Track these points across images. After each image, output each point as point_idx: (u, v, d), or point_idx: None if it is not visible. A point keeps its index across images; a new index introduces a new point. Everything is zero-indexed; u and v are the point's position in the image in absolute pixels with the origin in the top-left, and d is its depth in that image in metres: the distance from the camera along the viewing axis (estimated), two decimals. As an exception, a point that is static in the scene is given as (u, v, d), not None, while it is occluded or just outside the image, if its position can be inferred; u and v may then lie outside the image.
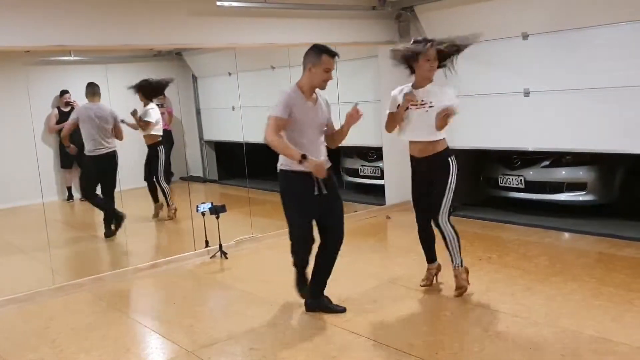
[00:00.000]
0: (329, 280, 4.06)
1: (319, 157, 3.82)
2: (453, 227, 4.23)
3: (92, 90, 6.63)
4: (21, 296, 4.77)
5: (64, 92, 8.63)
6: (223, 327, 3.96)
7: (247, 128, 7.77)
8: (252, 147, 7.84)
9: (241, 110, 7.92)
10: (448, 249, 4.24)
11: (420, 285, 4.43)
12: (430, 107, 4.09)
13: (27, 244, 6.60)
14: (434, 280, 4.48)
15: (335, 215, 3.93)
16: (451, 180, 4.15)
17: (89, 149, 6.56)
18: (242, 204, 7.53)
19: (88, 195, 6.64)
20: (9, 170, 7.75)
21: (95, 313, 4.45)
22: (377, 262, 5.25)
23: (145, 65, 9.03)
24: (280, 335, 3.76)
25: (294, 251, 4.02)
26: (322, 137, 3.98)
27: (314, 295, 4.05)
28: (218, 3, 5.36)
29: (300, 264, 4.02)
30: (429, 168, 4.17)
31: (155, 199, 7.41)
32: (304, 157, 3.62)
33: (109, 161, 6.58)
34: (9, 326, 4.33)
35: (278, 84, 8.41)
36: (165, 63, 9.05)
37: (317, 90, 3.94)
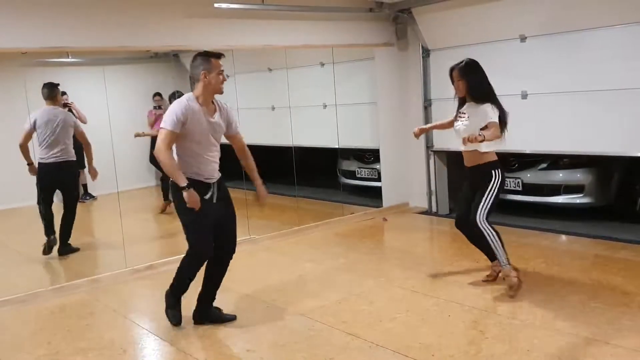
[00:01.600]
0: (326, 281, 4.06)
1: (214, 167, 3.87)
2: (493, 228, 4.36)
3: (49, 92, 6.09)
4: (17, 297, 4.76)
5: (62, 94, 8.61)
6: (219, 328, 3.95)
7: (244, 130, 7.76)
8: (249, 149, 7.84)
9: (238, 112, 7.91)
10: (490, 248, 4.35)
11: (482, 281, 4.54)
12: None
13: (24, 246, 6.59)
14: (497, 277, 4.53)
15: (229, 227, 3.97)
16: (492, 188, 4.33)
17: (42, 155, 5.97)
18: (238, 206, 7.51)
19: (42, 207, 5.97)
20: (6, 171, 7.73)
21: (91, 314, 4.44)
22: (373, 263, 5.25)
23: (143, 67, 9.04)
24: (276, 337, 3.76)
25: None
26: (218, 146, 3.93)
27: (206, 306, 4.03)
28: (215, 5, 5.36)
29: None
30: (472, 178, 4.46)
31: (166, 196, 7.55)
32: (184, 188, 3.60)
33: (67, 170, 6.02)
34: (5, 327, 4.32)
35: (275, 86, 8.42)
36: (162, 65, 9.06)
37: (216, 98, 3.90)
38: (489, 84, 4.37)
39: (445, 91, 6.79)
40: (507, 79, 6.17)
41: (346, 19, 6.61)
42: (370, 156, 7.97)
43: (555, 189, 6.27)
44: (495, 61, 6.25)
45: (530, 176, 6.43)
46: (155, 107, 8.88)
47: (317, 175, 8.82)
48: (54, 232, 5.98)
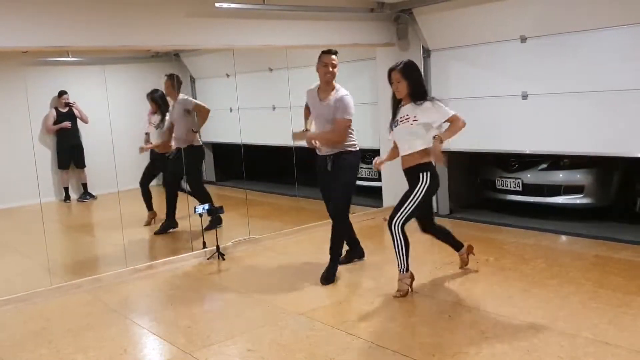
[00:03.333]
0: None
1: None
2: (404, 235, 4.36)
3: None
4: (18, 297, 4.77)
5: (62, 93, 8.63)
6: (220, 328, 3.96)
7: (245, 130, 7.78)
8: (250, 149, 7.85)
9: (239, 111, 7.92)
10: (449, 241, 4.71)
11: (460, 268, 4.81)
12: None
13: (24, 245, 6.59)
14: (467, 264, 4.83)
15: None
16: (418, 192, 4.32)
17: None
18: (239, 206, 7.54)
19: None
20: (6, 170, 7.74)
21: (92, 314, 4.44)
22: (374, 264, 5.25)
23: (143, 66, 9.04)
24: (277, 337, 3.76)
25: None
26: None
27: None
28: (216, 4, 5.36)
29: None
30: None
31: (150, 205, 7.18)
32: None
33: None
34: (5, 327, 4.32)
35: (275, 86, 8.42)
36: (163, 64, 9.05)
37: (335, 89, 4.79)
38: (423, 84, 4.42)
39: (446, 91, 6.81)
40: (507, 79, 6.19)
41: (347, 19, 6.61)
42: (370, 156, 7.94)
43: (556, 190, 6.27)
44: (495, 62, 6.27)
45: (530, 176, 6.43)
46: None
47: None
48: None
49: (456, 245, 4.80)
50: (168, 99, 6.82)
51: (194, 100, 6.86)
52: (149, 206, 7.13)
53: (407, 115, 4.29)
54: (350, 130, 4.85)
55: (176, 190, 6.84)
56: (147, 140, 7.10)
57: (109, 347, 3.76)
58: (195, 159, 6.77)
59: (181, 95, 6.67)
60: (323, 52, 4.83)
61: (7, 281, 5.36)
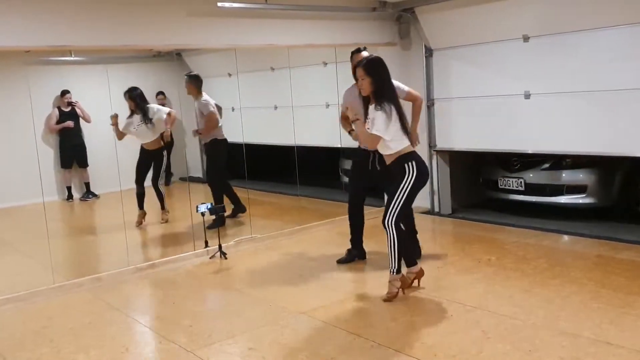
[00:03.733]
0: (328, 281, 4.05)
1: None
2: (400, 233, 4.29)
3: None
4: (20, 295, 4.78)
5: (65, 92, 8.64)
6: (222, 327, 3.96)
7: (247, 129, 7.78)
8: (252, 148, 7.85)
9: (241, 111, 7.92)
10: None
11: (402, 289, 4.37)
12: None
13: (26, 244, 6.60)
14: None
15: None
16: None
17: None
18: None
19: None
20: (9, 169, 7.76)
21: (94, 313, 4.44)
22: (375, 263, 5.24)
23: (146, 65, 9.05)
24: (279, 336, 3.76)
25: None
26: None
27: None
28: (219, 4, 5.36)
29: None
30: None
31: (141, 204, 7.13)
32: None
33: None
34: (7, 326, 4.33)
35: (278, 85, 8.42)
36: (165, 63, 9.07)
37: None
38: (392, 85, 4.20)
39: (448, 91, 6.81)
40: (510, 79, 6.18)
41: (349, 18, 6.61)
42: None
43: (558, 189, 6.26)
44: (498, 61, 6.26)
45: (532, 176, 6.42)
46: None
47: (319, 174, 8.82)
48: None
49: (411, 258, 4.43)
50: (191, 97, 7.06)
51: (211, 103, 6.95)
52: (141, 205, 7.10)
53: (369, 117, 4.17)
54: None
55: (220, 179, 7.02)
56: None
57: (111, 346, 3.77)
58: (218, 152, 6.95)
59: (204, 95, 6.89)
60: (352, 52, 4.94)
61: (8, 280, 5.37)
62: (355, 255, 5.27)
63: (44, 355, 3.70)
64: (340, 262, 5.11)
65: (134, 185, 7.05)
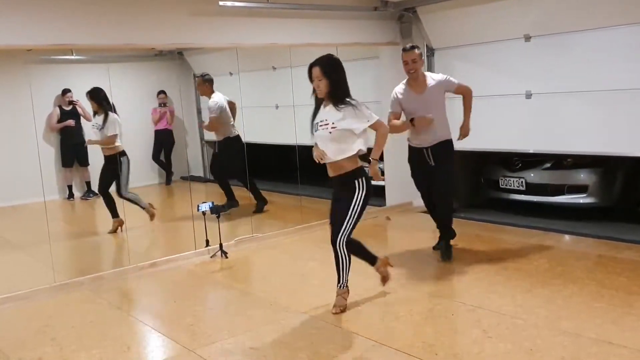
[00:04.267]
0: (329, 280, 4.05)
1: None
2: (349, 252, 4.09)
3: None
4: (21, 294, 4.78)
5: (65, 91, 8.63)
6: (223, 326, 3.96)
7: (248, 128, 7.78)
8: (253, 147, 7.85)
9: (242, 110, 7.92)
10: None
11: (382, 284, 4.43)
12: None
13: (28, 243, 6.60)
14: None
15: None
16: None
17: None
18: (242, 204, 7.53)
19: None
20: (10, 168, 7.74)
21: (95, 311, 4.45)
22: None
23: (147, 64, 9.04)
24: (280, 335, 3.76)
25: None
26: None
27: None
28: (220, 3, 5.37)
29: None
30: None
31: (115, 213, 6.79)
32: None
33: None
34: (8, 324, 4.33)
35: (279, 85, 8.41)
36: (166, 63, 9.06)
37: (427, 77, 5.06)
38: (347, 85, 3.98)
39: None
40: (511, 78, 6.17)
41: (351, 17, 6.60)
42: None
43: (559, 189, 6.25)
44: (499, 61, 6.25)
45: (533, 176, 6.42)
46: (159, 105, 8.90)
47: (321, 174, 8.81)
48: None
49: (370, 258, 4.28)
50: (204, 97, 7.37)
51: (219, 105, 7.20)
52: (114, 213, 6.79)
53: (327, 120, 3.90)
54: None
55: (224, 177, 7.32)
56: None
57: (112, 345, 3.77)
58: (231, 149, 7.25)
59: (214, 96, 7.20)
60: (402, 49, 4.99)
61: (10, 279, 5.37)
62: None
63: (46, 354, 3.70)
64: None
65: (135, 184, 7.04)
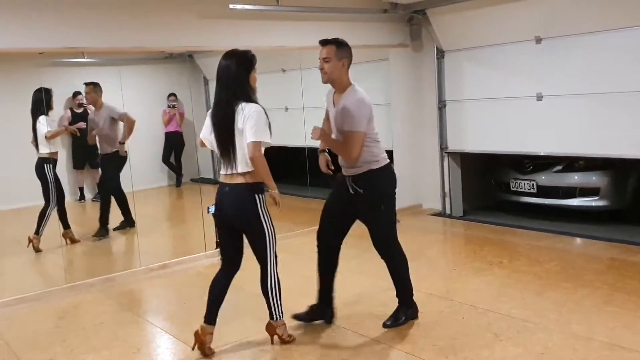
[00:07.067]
0: (339, 283, 4.04)
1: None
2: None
3: None
4: (33, 295, 4.81)
5: (76, 94, 8.68)
6: (233, 327, 3.96)
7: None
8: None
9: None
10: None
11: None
12: None
13: (39, 244, 6.63)
14: None
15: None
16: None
17: None
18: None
19: None
20: (22, 170, 7.79)
21: (106, 313, 4.47)
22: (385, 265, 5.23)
23: (158, 67, 9.09)
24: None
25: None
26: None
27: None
28: (230, 6, 5.38)
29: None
30: None
31: (66, 224, 6.46)
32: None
33: None
34: (21, 325, 4.36)
35: (289, 87, 8.43)
36: (176, 65, 9.10)
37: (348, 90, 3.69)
38: None
39: (459, 92, 6.78)
40: (522, 80, 6.15)
41: (361, 20, 6.60)
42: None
43: (571, 192, 6.21)
44: (510, 63, 6.23)
45: (544, 178, 6.38)
46: (169, 107, 8.94)
47: (330, 176, 8.80)
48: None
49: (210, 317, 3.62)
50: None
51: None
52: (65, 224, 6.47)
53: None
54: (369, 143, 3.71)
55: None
56: None
57: (123, 346, 3.79)
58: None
59: (106, 103, 6.78)
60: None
61: (21, 280, 5.41)
62: (321, 316, 3.98)
63: (57, 354, 3.73)
64: (298, 319, 3.96)
65: (145, 186, 7.06)
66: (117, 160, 6.69)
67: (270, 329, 3.62)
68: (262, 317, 4.12)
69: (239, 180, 3.41)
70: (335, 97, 3.76)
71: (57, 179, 6.33)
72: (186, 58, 8.91)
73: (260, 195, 3.45)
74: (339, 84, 3.69)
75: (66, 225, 6.42)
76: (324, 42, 3.66)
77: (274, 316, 3.60)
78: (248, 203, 3.40)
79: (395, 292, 3.91)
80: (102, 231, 6.67)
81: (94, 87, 6.76)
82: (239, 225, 3.49)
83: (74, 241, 6.43)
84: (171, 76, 9.07)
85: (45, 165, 6.23)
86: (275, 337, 3.63)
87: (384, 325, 3.80)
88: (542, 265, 4.93)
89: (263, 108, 3.46)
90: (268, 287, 3.56)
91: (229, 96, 3.41)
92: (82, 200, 8.69)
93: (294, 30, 6.15)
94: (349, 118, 3.59)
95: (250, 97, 3.45)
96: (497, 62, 6.33)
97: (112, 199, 6.72)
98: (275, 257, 3.59)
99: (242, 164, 3.41)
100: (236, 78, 3.44)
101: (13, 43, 4.70)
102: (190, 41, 5.62)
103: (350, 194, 3.78)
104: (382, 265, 5.23)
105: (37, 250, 6.19)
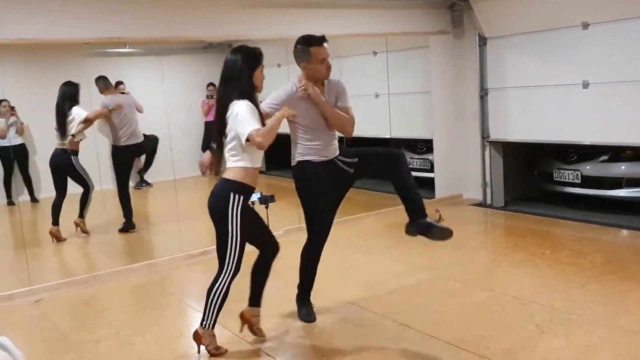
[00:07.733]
0: (378, 272, 4.04)
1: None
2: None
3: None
4: (80, 279, 4.96)
5: (118, 83, 8.86)
6: (273, 314, 4.00)
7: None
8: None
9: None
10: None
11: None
12: None
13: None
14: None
15: None
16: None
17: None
18: (289, 194, 7.57)
19: None
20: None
21: (149, 297, 4.58)
22: (426, 255, 5.19)
23: (198, 57, 9.20)
24: (328, 326, 3.78)
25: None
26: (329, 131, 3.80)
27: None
28: (270, -6, 5.40)
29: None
30: None
31: (56, 220, 6.39)
32: None
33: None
34: (68, 308, 4.51)
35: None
36: (216, 55, 9.18)
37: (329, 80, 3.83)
38: None
39: (502, 80, 6.65)
40: (567, 68, 5.99)
41: (401, 6, 6.53)
42: (422, 146, 7.88)
43: (617, 182, 6.05)
44: (555, 49, 6.07)
45: (589, 168, 6.22)
46: (208, 97, 9.02)
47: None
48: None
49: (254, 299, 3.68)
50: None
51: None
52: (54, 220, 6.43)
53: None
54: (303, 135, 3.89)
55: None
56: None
57: (166, 330, 3.88)
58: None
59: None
60: (315, 41, 3.78)
61: (70, 265, 5.58)
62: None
63: (103, 336, 3.84)
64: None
65: (186, 175, 7.12)
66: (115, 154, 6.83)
67: (197, 337, 3.45)
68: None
69: (225, 175, 3.35)
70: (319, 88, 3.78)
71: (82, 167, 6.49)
72: (226, 47, 8.98)
73: (237, 196, 3.25)
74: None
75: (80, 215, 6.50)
76: (325, 40, 3.75)
77: (204, 323, 3.41)
78: (222, 199, 3.28)
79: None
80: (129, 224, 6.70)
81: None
82: (212, 219, 3.39)
83: (84, 231, 6.51)
84: (210, 66, 9.17)
85: (72, 157, 6.36)
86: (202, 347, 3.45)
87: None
88: (586, 257, 4.82)
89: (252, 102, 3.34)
90: (212, 291, 3.37)
91: (226, 91, 3.42)
92: (142, 187, 8.83)
93: (333, 19, 6.12)
94: (345, 95, 3.86)
95: (246, 94, 3.35)
96: (542, 49, 6.18)
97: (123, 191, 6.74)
98: (235, 268, 3.41)
99: (229, 160, 3.37)
100: (238, 73, 3.40)
101: (60, 34, 4.83)
102: (230, 31, 5.66)
103: (345, 175, 3.91)
104: (421, 255, 5.21)
105: (85, 232, 6.45)
